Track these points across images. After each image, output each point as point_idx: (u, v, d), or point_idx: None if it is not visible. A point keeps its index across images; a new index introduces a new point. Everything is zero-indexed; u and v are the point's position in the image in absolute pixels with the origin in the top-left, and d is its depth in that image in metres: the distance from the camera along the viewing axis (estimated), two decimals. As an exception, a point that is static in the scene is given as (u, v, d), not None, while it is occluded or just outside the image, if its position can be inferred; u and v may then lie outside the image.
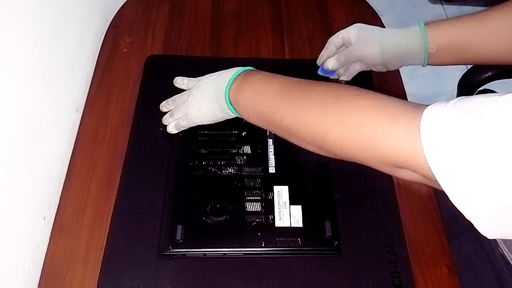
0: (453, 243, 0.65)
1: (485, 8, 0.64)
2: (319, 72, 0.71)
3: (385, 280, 0.56)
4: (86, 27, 0.76)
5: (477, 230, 0.43)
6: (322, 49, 0.70)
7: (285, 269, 0.56)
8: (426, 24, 0.63)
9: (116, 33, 0.81)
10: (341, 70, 0.70)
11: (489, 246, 0.68)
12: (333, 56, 0.68)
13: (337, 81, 0.71)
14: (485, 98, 0.39)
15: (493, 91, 0.85)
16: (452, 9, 1.98)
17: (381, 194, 0.63)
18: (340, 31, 0.68)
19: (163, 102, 0.67)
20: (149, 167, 0.64)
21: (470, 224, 0.48)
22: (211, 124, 0.66)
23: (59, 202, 0.62)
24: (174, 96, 0.66)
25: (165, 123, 0.66)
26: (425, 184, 0.45)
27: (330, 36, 0.69)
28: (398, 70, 0.78)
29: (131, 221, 0.59)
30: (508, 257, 0.65)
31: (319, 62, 0.71)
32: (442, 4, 1.99)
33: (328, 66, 0.68)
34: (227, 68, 0.61)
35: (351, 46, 0.66)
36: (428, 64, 0.64)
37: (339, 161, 0.65)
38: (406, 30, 0.64)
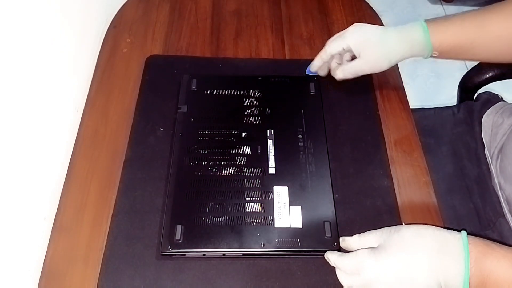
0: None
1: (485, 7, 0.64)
2: (307, 72, 0.73)
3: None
4: (86, 27, 0.76)
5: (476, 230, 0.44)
6: (321, 51, 0.70)
7: (284, 270, 0.56)
8: (428, 25, 0.63)
9: (116, 33, 0.81)
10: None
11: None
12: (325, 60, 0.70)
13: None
14: None
15: (493, 93, 0.86)
16: (452, 9, 1.98)
17: (381, 194, 0.63)
18: (340, 43, 0.67)
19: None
20: (149, 167, 0.64)
21: (469, 225, 0.49)
22: (211, 124, 0.66)
23: (59, 202, 0.62)
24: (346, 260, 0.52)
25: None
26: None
27: (330, 36, 0.69)
28: (398, 70, 0.78)
29: (131, 221, 0.59)
30: None
31: (313, 68, 0.72)
32: (442, 4, 1.99)
33: (337, 77, 0.69)
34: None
35: (359, 62, 0.67)
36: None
37: (339, 161, 0.66)
38: (411, 39, 0.64)
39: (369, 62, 0.67)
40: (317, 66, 0.71)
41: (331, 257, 0.52)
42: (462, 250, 0.47)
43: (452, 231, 0.49)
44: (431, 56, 0.66)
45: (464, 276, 0.46)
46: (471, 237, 0.48)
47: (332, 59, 0.70)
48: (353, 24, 0.68)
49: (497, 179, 0.73)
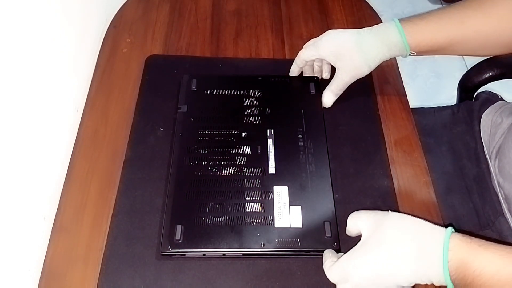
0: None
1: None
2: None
3: (384, 280, 0.56)
4: (86, 27, 0.76)
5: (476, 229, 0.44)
6: (296, 57, 0.70)
7: (284, 270, 0.56)
8: (404, 26, 0.63)
9: (116, 33, 0.81)
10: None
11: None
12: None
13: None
14: None
15: (493, 92, 0.86)
16: (452, 9, 1.98)
17: (381, 194, 0.63)
18: (313, 52, 0.67)
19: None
20: (149, 167, 0.64)
21: (469, 224, 0.48)
22: (211, 124, 0.66)
23: (59, 202, 0.62)
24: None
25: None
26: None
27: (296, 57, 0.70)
28: (398, 70, 0.78)
29: (131, 221, 0.59)
30: None
31: (291, 74, 0.72)
32: (442, 4, 1.99)
33: (326, 103, 0.69)
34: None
35: (339, 75, 0.66)
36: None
37: (339, 161, 0.66)
38: (387, 41, 0.63)
39: (349, 72, 0.66)
40: (295, 72, 0.72)
41: (324, 269, 0.53)
42: (441, 260, 0.45)
43: (436, 231, 0.48)
44: (410, 55, 0.65)
45: (446, 282, 0.46)
46: (454, 240, 0.46)
47: (310, 63, 0.71)
48: (327, 32, 0.67)
49: (496, 178, 0.73)
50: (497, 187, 0.72)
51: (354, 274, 0.49)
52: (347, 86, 0.68)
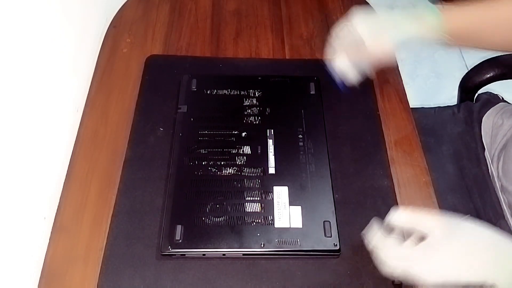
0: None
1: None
2: (341, 87, 0.66)
3: (385, 280, 0.56)
4: (86, 27, 0.76)
5: None
6: (326, 49, 0.66)
7: (284, 270, 0.56)
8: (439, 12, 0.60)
9: (116, 33, 0.81)
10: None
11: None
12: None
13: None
14: None
15: (493, 93, 0.86)
16: (453, 9, 1.98)
17: (381, 194, 0.63)
18: (349, 31, 0.62)
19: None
20: (149, 167, 0.64)
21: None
22: (211, 124, 0.66)
23: (59, 202, 0.62)
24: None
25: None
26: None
27: (330, 36, 0.69)
28: (398, 70, 0.78)
29: (131, 221, 0.59)
30: None
31: (344, 75, 0.64)
32: (442, 5, 1.99)
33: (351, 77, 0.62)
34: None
35: (369, 47, 0.61)
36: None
37: (339, 161, 0.66)
38: (419, 17, 0.60)
39: (378, 46, 0.60)
40: (342, 66, 0.63)
41: (375, 239, 0.50)
42: None
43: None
44: (440, 41, 0.61)
45: None
46: None
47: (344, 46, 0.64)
48: (354, 11, 0.63)
49: (498, 181, 0.73)
50: (499, 191, 0.72)
51: (425, 276, 0.47)
52: (373, 63, 0.63)
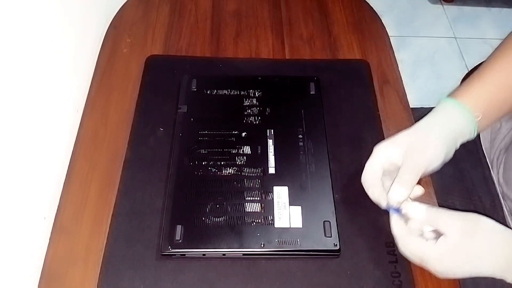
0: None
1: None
2: (393, 210, 0.54)
3: (385, 280, 0.56)
4: (86, 27, 0.76)
5: None
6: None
7: (284, 270, 0.56)
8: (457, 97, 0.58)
9: (116, 34, 0.81)
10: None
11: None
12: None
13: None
14: None
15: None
16: (452, 9, 1.98)
17: (381, 194, 0.63)
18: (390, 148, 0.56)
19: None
20: (149, 167, 0.64)
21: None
22: (211, 124, 0.66)
23: (59, 203, 0.62)
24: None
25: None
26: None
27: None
28: (398, 70, 0.78)
29: (131, 222, 0.59)
30: None
31: (393, 199, 0.53)
32: (442, 5, 1.99)
33: (397, 199, 0.53)
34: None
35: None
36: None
37: (339, 161, 0.66)
38: (457, 127, 0.56)
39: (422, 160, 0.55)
40: (380, 193, 0.54)
41: (396, 227, 0.50)
42: None
43: None
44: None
45: None
46: None
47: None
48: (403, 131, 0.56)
49: (500, 188, 0.72)
50: (501, 198, 0.72)
51: (439, 274, 0.49)
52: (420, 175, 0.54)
